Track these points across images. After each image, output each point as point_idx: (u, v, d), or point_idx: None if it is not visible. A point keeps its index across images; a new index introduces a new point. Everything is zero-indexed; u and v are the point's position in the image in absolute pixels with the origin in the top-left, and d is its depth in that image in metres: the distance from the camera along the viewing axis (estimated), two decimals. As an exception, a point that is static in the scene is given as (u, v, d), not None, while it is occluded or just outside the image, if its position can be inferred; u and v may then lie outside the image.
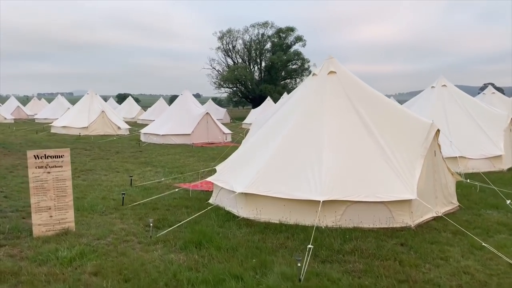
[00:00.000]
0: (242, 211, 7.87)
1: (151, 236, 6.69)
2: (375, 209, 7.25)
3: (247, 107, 74.25)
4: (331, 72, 9.07)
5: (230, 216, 7.94)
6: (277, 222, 7.48)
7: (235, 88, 61.43)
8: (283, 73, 59.80)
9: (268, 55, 60.13)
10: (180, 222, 7.53)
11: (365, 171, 7.58)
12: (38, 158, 6.53)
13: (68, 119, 28.22)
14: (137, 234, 6.87)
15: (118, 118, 30.25)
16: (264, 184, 7.76)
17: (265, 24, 58.54)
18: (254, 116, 40.35)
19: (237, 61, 61.67)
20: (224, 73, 59.86)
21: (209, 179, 9.16)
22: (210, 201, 9.16)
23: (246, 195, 7.82)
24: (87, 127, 26.98)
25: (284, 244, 6.38)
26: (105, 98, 52.54)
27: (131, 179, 11.36)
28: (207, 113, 23.49)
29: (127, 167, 14.13)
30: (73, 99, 52.42)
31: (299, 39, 59.41)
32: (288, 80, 60.92)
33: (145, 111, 50.43)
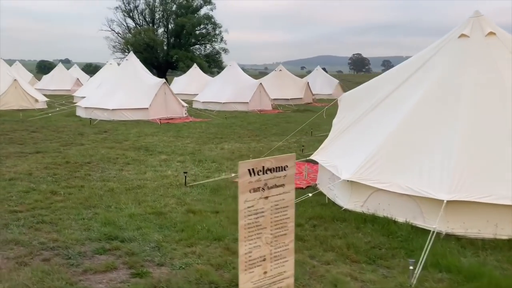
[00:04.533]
0: (447, 224, 5.70)
1: (411, 286, 4.26)
2: None
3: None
4: (490, 33, 7.12)
5: (425, 232, 5.72)
6: (506, 238, 5.52)
7: (137, 54, 55.66)
8: (192, 39, 55.70)
9: (173, 17, 55.40)
10: (380, 248, 5.19)
11: None
12: (254, 174, 3.60)
13: (-32, 90, 22.05)
14: (379, 281, 4.36)
15: (32, 88, 24.71)
16: (477, 188, 5.69)
17: (171, -17, 53.51)
18: (179, 85, 36.66)
19: (140, 23, 55.89)
20: (126, 36, 53.83)
21: (354, 179, 6.66)
22: (348, 206, 6.76)
23: (449, 203, 5.66)
24: (-4, 100, 21.36)
25: None
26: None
27: (185, 177, 8.31)
28: (164, 82, 19.92)
29: (132, 157, 10.72)
30: None
31: (207, 2, 55.58)
32: (197, 46, 57.06)
33: (38, 80, 43.30)
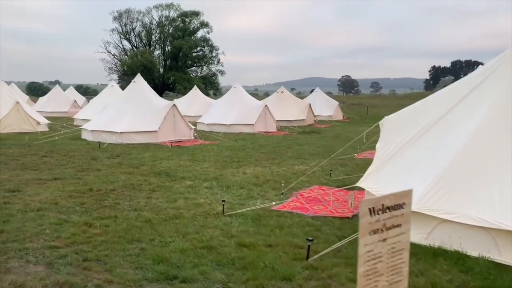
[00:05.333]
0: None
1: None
2: None
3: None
4: (546, 57, 6.88)
5: (505, 267, 5.32)
6: None
7: (132, 76, 55.46)
8: (188, 61, 55.61)
9: (170, 39, 55.34)
10: None
11: None
12: (374, 214, 3.19)
13: (-32, 112, 21.40)
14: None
15: (33, 110, 24.16)
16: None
17: (169, 6, 53.60)
18: (180, 107, 36.17)
19: (137, 45, 55.70)
20: (122, 57, 53.54)
21: (418, 209, 6.25)
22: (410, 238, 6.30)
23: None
24: (-2, 122, 20.76)
25: None
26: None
27: (223, 205, 7.85)
28: (174, 105, 19.53)
29: (156, 183, 10.22)
30: None
31: (204, 24, 55.76)
32: (194, 68, 56.91)
33: (34, 102, 42.61)
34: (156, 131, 18.49)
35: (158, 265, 5.27)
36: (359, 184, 7.79)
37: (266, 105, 25.73)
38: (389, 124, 8.38)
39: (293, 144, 19.14)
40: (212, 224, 7.16)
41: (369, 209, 3.17)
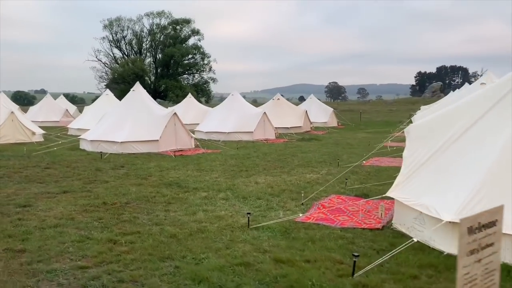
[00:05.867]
0: None
1: None
2: None
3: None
4: None
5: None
6: None
7: (123, 85, 54.87)
8: (179, 68, 55.25)
9: (161, 47, 54.94)
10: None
11: None
12: (472, 233, 2.95)
13: (-39, 123, 20.79)
14: None
15: (28, 120, 23.60)
16: None
17: (160, 14, 53.21)
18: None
19: (127, 53, 55.18)
20: (113, 65, 52.95)
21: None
22: (452, 251, 6.12)
23: None
24: (-7, 133, 20.19)
25: None
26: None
27: (248, 218, 7.56)
28: (174, 113, 19.17)
29: (169, 195, 9.89)
30: None
31: (195, 32, 55.49)
32: (185, 75, 56.52)
33: (24, 111, 41.76)
34: (158, 140, 18.12)
35: (199, 285, 4.97)
36: (389, 194, 7.56)
37: (265, 113, 25.50)
38: (415, 131, 8.19)
39: (296, 151, 18.91)
40: (240, 238, 6.87)
41: (468, 228, 2.93)
